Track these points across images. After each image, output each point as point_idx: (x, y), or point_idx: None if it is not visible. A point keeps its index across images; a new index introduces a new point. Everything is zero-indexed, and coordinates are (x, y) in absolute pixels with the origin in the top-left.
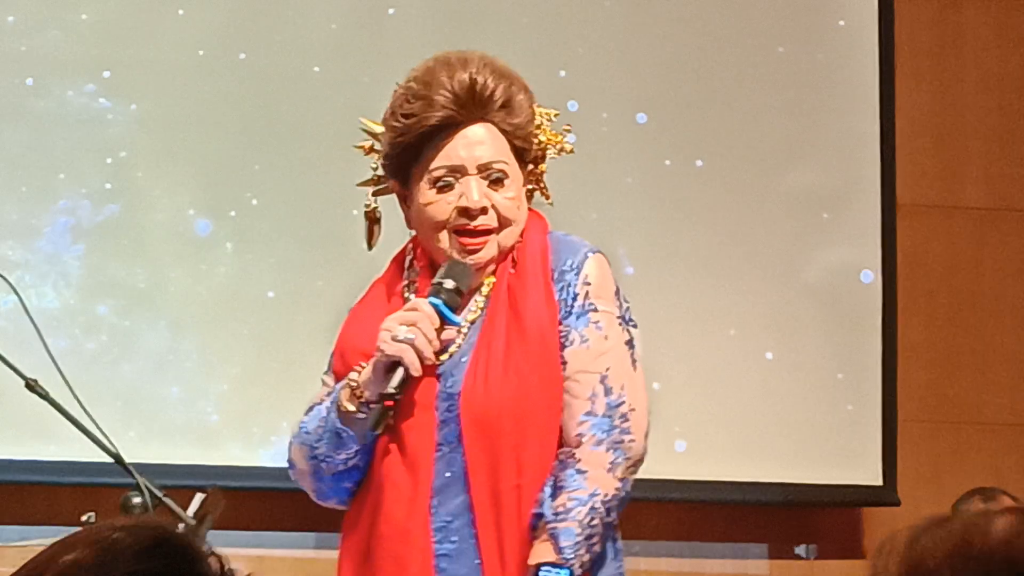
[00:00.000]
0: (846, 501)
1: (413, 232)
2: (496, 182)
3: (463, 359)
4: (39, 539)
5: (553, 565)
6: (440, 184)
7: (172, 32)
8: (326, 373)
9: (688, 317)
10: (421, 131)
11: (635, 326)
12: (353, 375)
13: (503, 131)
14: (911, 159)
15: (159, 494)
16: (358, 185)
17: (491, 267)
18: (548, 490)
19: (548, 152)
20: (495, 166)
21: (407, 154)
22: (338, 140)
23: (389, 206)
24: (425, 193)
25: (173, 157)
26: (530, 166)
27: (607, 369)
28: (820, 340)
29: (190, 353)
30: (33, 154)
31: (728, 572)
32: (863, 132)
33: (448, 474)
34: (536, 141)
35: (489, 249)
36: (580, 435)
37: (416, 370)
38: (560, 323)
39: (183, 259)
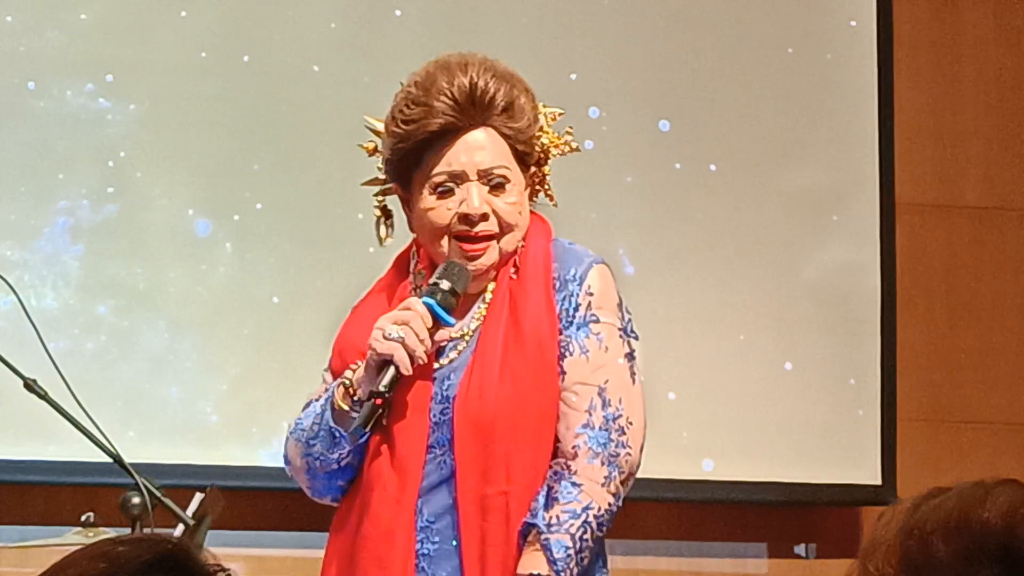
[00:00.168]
0: (846, 500)
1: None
2: (497, 187)
3: (463, 364)
4: (38, 539)
5: None
6: (441, 190)
7: (172, 32)
8: (326, 370)
9: (688, 316)
10: (421, 138)
11: (637, 338)
12: (348, 373)
13: (504, 135)
14: (910, 158)
15: (158, 494)
16: (363, 184)
17: (492, 273)
18: (542, 500)
19: (552, 153)
20: (496, 171)
21: (408, 160)
22: (338, 140)
23: (395, 203)
24: (426, 199)
25: (173, 158)
26: (532, 168)
27: (606, 382)
28: (820, 340)
29: (189, 353)
30: (32, 154)
31: (727, 571)
32: (862, 131)
33: (437, 476)
34: (539, 143)
35: (490, 255)
36: (576, 447)
37: (406, 368)
38: (561, 332)
39: (183, 259)
